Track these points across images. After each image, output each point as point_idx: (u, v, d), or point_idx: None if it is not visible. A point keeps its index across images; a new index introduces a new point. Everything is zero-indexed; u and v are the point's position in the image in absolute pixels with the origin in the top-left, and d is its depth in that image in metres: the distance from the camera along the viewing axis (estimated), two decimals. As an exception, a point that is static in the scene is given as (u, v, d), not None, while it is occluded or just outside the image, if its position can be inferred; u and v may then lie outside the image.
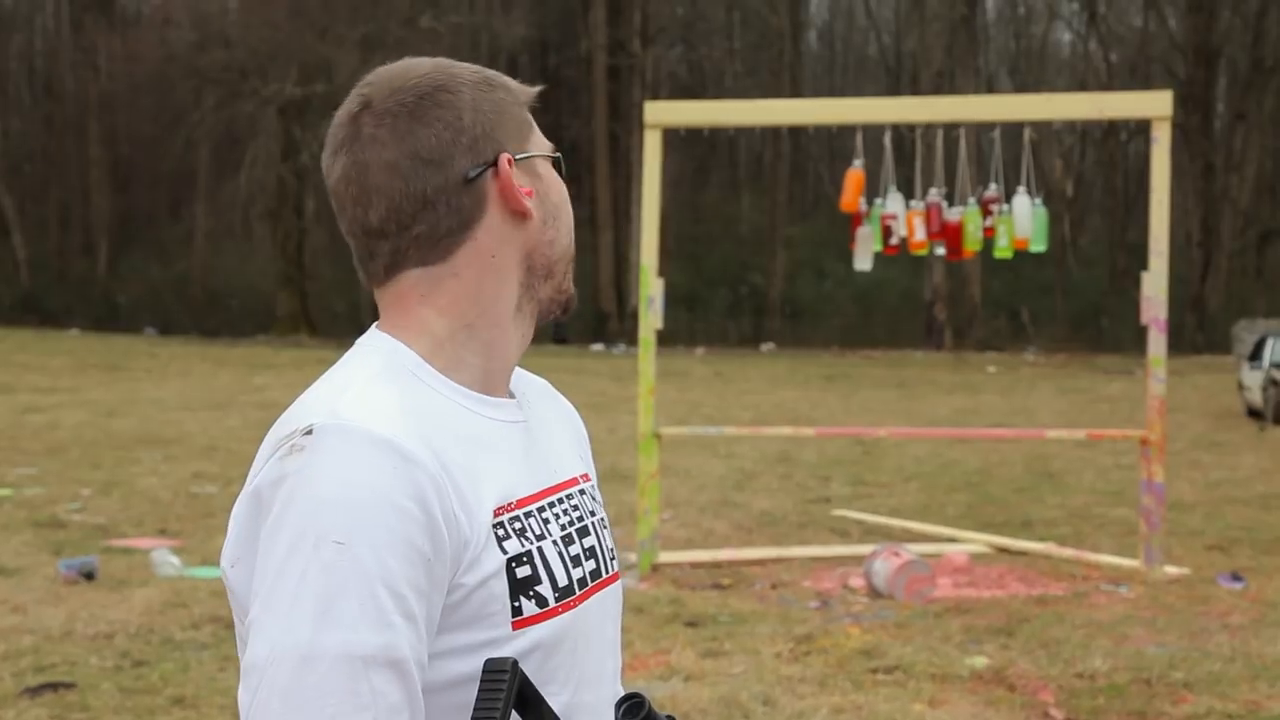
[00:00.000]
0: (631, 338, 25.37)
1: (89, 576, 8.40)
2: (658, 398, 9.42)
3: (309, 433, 1.35)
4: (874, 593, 8.34)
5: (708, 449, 15.69)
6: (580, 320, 45.03)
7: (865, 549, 9.30)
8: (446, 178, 1.47)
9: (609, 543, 1.63)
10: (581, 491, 1.62)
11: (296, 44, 42.93)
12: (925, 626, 7.50)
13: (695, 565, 9.28)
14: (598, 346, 39.88)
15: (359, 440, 1.34)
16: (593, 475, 1.72)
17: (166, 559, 8.81)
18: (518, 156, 1.51)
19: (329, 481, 1.32)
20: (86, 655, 6.77)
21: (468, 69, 1.53)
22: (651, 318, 9.08)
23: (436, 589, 1.36)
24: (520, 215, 1.51)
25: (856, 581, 8.63)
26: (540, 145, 1.56)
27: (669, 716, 1.55)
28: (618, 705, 1.53)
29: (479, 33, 48.38)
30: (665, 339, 9.97)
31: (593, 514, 1.62)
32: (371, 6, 43.89)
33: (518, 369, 1.70)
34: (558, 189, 1.57)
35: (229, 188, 46.72)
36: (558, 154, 1.59)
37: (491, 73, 1.55)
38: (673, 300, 10.05)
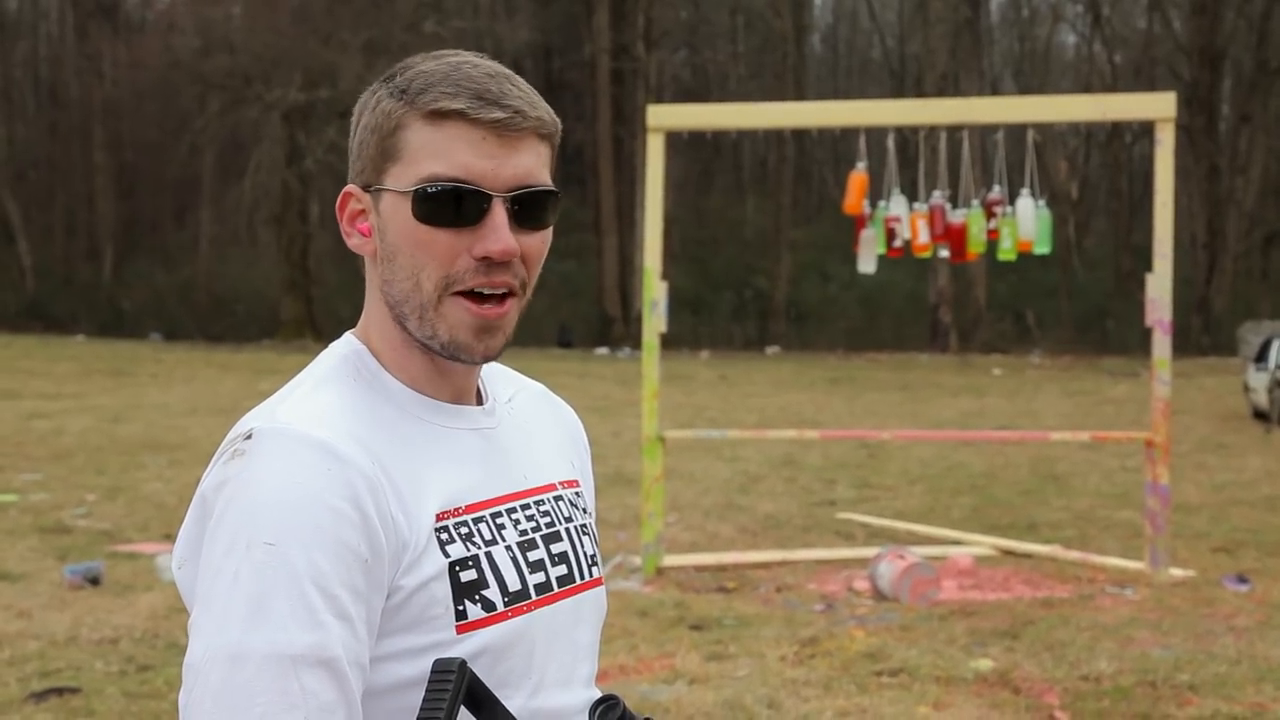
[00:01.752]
0: (636, 341, 25.39)
1: (94, 582, 8.41)
2: (663, 401, 9.42)
3: (249, 437, 1.38)
4: (879, 595, 8.34)
5: (712, 452, 15.68)
6: (585, 324, 45.04)
7: (870, 552, 9.30)
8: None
9: (588, 549, 1.61)
10: (557, 498, 1.60)
11: (300, 50, 42.95)
12: (930, 629, 7.49)
13: (700, 568, 9.27)
14: (602, 350, 39.87)
15: (293, 443, 1.36)
16: (584, 482, 1.70)
17: (171, 564, 8.81)
18: (368, 187, 1.48)
19: (264, 484, 1.34)
20: (91, 660, 6.77)
21: (409, 73, 1.47)
22: (655, 321, 9.08)
23: (376, 590, 1.36)
24: (361, 249, 1.52)
25: (861, 584, 8.63)
26: (397, 179, 1.45)
27: (647, 719, 1.54)
28: (592, 709, 1.52)
29: (483, 38, 48.41)
30: (670, 342, 9.97)
31: (569, 520, 1.60)
32: (375, 12, 43.91)
33: (517, 373, 1.70)
34: (398, 229, 1.45)
35: (234, 193, 46.73)
36: (427, 186, 1.43)
37: (411, 80, 1.46)
38: (677, 304, 10.05)
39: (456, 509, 1.46)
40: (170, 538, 10.19)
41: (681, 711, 5.95)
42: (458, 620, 1.42)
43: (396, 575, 1.38)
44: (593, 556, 1.62)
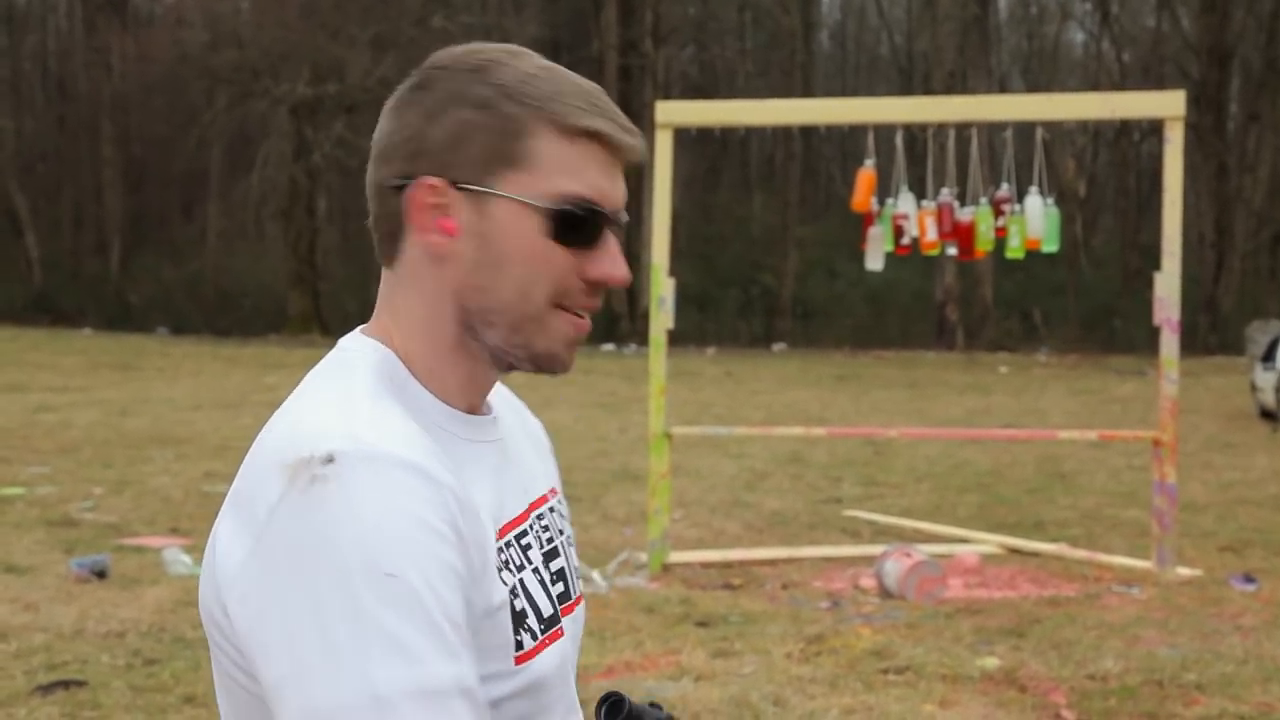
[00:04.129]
0: (643, 338, 25.35)
1: (101, 575, 8.42)
2: (669, 398, 9.41)
3: (330, 460, 1.24)
4: (885, 593, 8.33)
5: (719, 449, 15.68)
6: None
7: (876, 549, 9.29)
8: (381, 176, 1.42)
9: (575, 561, 1.57)
10: (551, 509, 1.56)
11: (309, 44, 42.97)
12: (936, 627, 7.49)
13: (706, 565, 9.27)
14: (609, 346, 39.86)
15: (388, 465, 1.25)
16: (559, 488, 1.64)
17: (178, 558, 8.82)
18: (465, 185, 1.38)
19: (367, 512, 1.22)
20: (98, 653, 6.78)
21: (489, 81, 1.39)
22: (663, 318, 9.08)
23: (472, 613, 1.30)
24: (436, 248, 1.40)
25: (867, 582, 8.62)
26: (514, 186, 1.38)
27: (652, 703, 1.51)
28: (598, 706, 1.48)
29: (491, 33, 48.39)
30: (676, 339, 9.97)
31: (561, 533, 1.55)
32: (383, 7, 43.92)
33: None
34: (518, 241, 1.38)
35: (241, 187, 46.78)
36: (564, 207, 1.38)
37: (502, 95, 1.38)
38: (684, 300, 10.03)
39: (500, 531, 1.41)
40: (177, 531, 10.19)
41: (687, 708, 5.94)
42: (516, 651, 1.36)
43: (477, 601, 1.32)
44: (578, 569, 1.57)
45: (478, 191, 1.38)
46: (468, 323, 1.41)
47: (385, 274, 1.45)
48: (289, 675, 1.20)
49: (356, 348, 1.44)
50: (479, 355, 1.43)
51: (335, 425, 1.29)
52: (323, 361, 1.45)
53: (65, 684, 6.28)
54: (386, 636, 1.19)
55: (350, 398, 1.35)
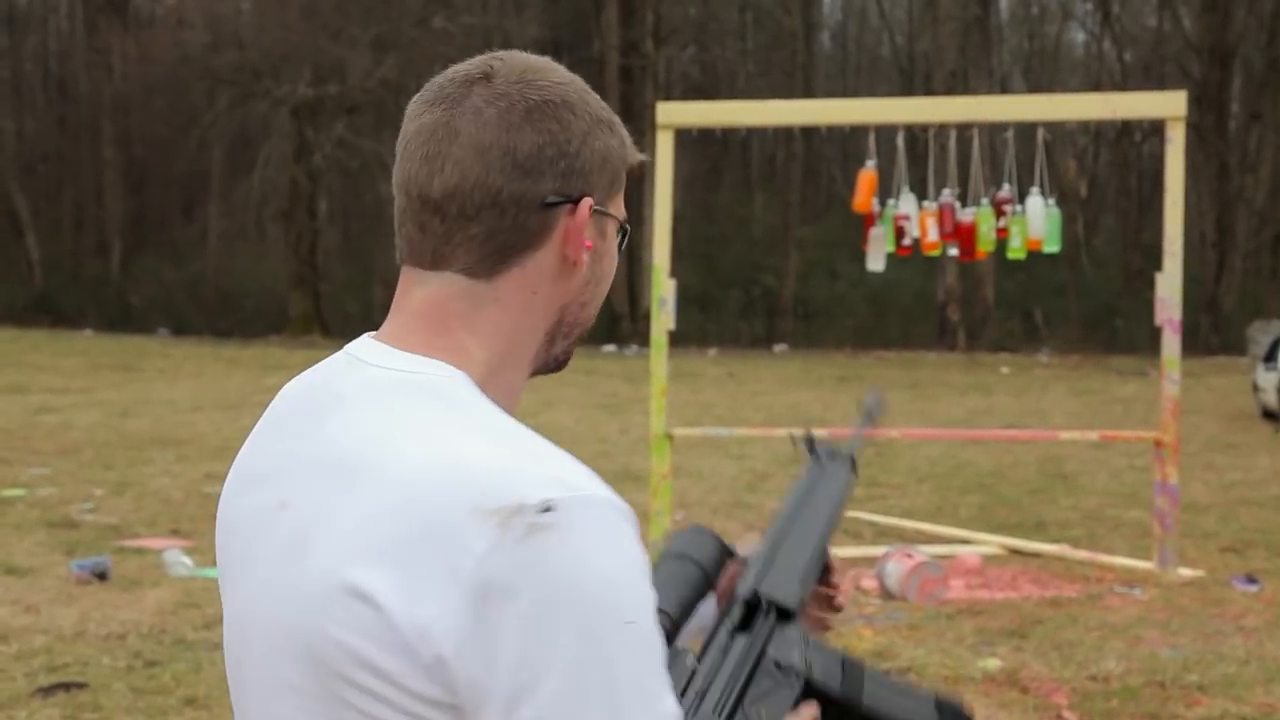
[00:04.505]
0: (644, 338, 25.37)
1: (101, 577, 8.42)
2: (670, 399, 9.41)
3: (548, 509, 1.21)
4: (886, 594, 8.23)
5: (720, 450, 15.67)
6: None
7: (878, 550, 9.28)
8: (525, 190, 1.36)
9: None
10: None
11: (310, 45, 42.99)
12: (938, 628, 7.48)
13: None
14: (610, 347, 39.85)
15: (604, 509, 1.25)
16: None
17: (179, 559, 8.82)
18: (597, 208, 1.40)
19: (599, 561, 1.22)
20: (99, 655, 6.77)
21: (600, 103, 1.43)
22: (664, 318, 9.07)
23: None
24: (573, 264, 1.39)
25: (868, 583, 8.61)
26: (619, 210, 1.46)
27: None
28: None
29: (491, 33, 48.39)
30: (678, 340, 9.96)
31: None
32: (384, 7, 43.94)
33: None
34: (612, 258, 1.46)
35: (242, 188, 46.79)
36: (628, 225, 1.49)
37: (617, 120, 1.46)
38: (685, 301, 10.03)
39: None
40: (178, 532, 10.19)
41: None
42: None
43: None
44: None
45: (604, 214, 1.43)
46: (552, 335, 1.43)
47: (457, 286, 1.38)
48: (572, 713, 1.20)
49: (434, 372, 1.36)
50: (536, 365, 1.45)
51: (529, 466, 1.26)
52: (398, 386, 1.35)
53: (66, 686, 6.28)
54: (634, 686, 1.21)
55: (506, 433, 1.31)
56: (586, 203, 1.38)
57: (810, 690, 1.50)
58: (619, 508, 1.26)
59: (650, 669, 1.23)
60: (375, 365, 1.36)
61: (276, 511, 1.35)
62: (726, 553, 1.63)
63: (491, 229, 1.35)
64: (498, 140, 1.35)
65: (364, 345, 1.40)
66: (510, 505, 1.21)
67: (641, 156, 1.50)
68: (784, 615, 1.53)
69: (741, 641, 1.51)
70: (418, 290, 1.38)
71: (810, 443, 1.78)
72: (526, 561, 1.20)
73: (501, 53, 1.42)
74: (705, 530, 1.65)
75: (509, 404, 1.39)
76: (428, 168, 1.36)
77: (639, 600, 1.23)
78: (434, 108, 1.37)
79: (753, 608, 1.53)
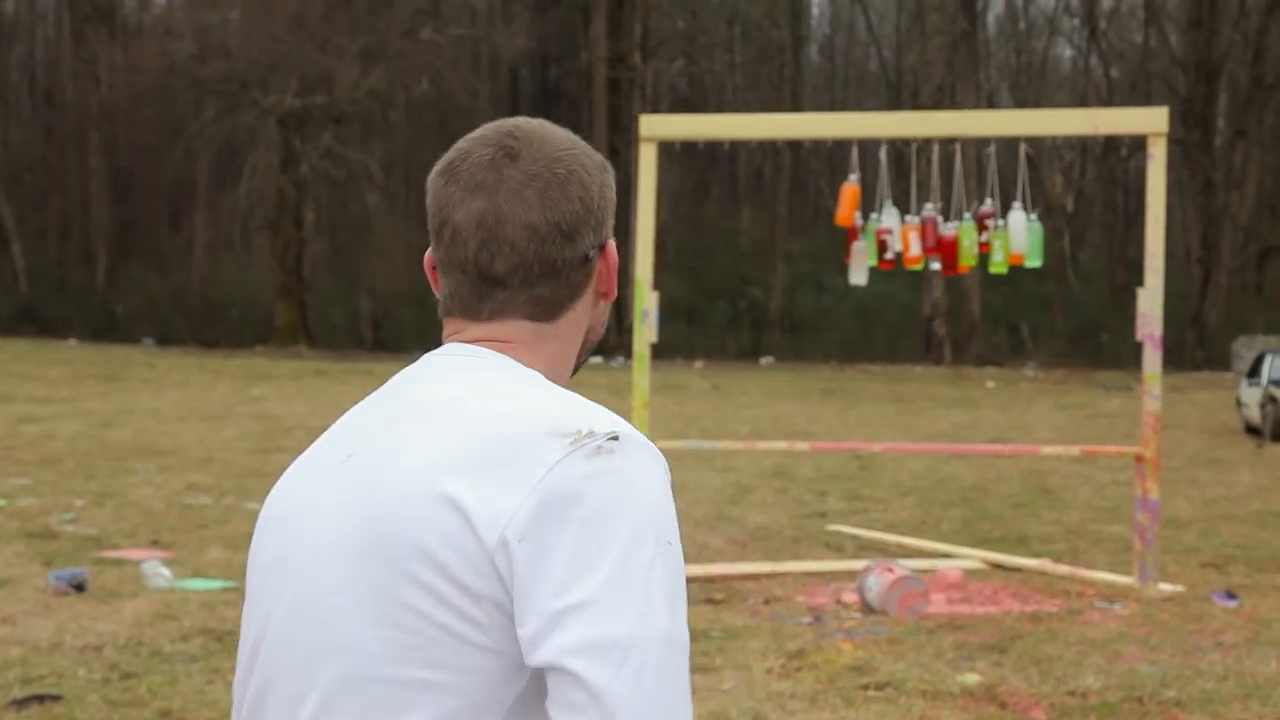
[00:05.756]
0: (629, 351, 25.37)
1: (79, 588, 8.37)
2: (655, 411, 9.40)
3: (615, 438, 1.43)
4: (867, 608, 8.31)
5: (704, 463, 15.66)
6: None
7: (859, 564, 9.27)
8: (574, 252, 1.57)
9: None
10: None
11: (297, 55, 42.98)
12: (918, 643, 7.47)
13: (689, 580, 9.21)
14: (596, 359, 39.87)
15: (652, 453, 1.46)
16: None
17: (157, 570, 8.78)
18: (607, 240, 1.63)
19: (650, 486, 1.42)
20: (74, 667, 6.73)
21: (593, 151, 1.63)
22: (646, 331, 9.06)
23: None
24: (605, 296, 1.65)
25: (850, 597, 8.60)
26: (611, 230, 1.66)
27: None
28: None
29: (480, 45, 48.42)
30: (664, 352, 9.97)
31: None
32: (372, 18, 43.95)
33: None
34: (615, 279, 1.67)
35: (228, 198, 46.73)
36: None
37: (604, 159, 1.65)
38: (672, 313, 10.04)
39: None
40: (158, 543, 10.15)
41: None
42: None
43: None
44: None
45: (605, 244, 1.64)
46: (581, 352, 1.67)
47: (520, 328, 1.59)
48: (588, 603, 1.36)
49: (498, 354, 1.58)
50: (568, 377, 1.67)
51: (594, 412, 1.48)
52: (469, 357, 1.57)
53: (40, 698, 6.24)
54: (670, 594, 1.39)
55: (568, 393, 1.54)
56: (611, 245, 1.63)
57: None
58: (663, 459, 1.47)
59: (679, 588, 1.41)
60: (442, 354, 1.58)
61: (343, 462, 1.52)
62: None
63: (554, 290, 1.58)
64: (544, 218, 1.55)
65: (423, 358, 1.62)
66: (583, 430, 1.44)
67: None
68: None
69: None
70: (476, 329, 1.59)
71: None
72: (592, 472, 1.40)
73: (505, 124, 1.60)
74: None
75: None
76: (487, 252, 1.55)
77: (675, 530, 1.44)
78: (475, 196, 1.55)
79: None
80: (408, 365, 1.62)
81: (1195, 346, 43.67)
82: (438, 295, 1.62)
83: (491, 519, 1.39)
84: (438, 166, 1.60)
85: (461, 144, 1.60)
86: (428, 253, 1.63)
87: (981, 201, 9.04)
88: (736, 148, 11.03)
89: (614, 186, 1.64)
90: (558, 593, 1.36)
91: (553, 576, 1.37)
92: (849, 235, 9.14)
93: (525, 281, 1.56)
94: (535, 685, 1.40)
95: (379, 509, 1.44)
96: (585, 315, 1.63)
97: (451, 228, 1.56)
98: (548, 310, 1.58)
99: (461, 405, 1.48)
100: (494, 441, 1.43)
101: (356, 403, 1.65)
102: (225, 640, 7.19)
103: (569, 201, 1.56)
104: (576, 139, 1.62)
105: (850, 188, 9.08)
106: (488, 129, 1.61)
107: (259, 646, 1.53)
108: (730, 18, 54.62)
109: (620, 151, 47.36)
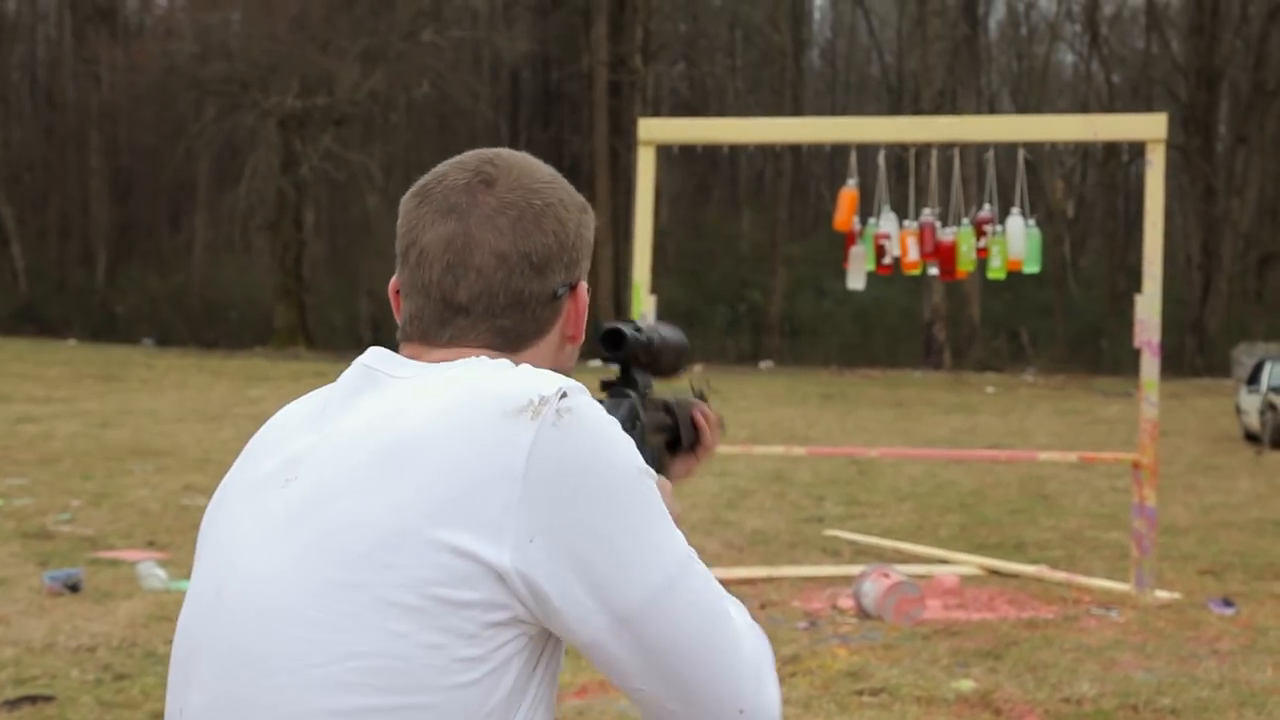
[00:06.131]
0: (629, 354, 25.31)
1: (73, 589, 8.36)
2: (649, 415, 9.37)
3: (565, 396, 1.43)
4: (863, 614, 8.30)
5: (702, 466, 15.63)
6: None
7: (856, 569, 9.25)
8: (542, 286, 1.55)
9: None
10: None
11: (298, 57, 43.00)
12: (913, 649, 7.45)
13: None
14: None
15: (589, 394, 1.48)
16: None
17: (152, 571, 8.76)
18: (581, 279, 1.62)
19: (610, 428, 1.44)
20: (68, 668, 6.72)
21: (574, 191, 1.62)
22: (643, 335, 9.04)
23: None
24: (572, 340, 1.63)
25: (845, 602, 8.59)
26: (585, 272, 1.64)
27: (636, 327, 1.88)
28: (600, 338, 1.80)
29: (481, 47, 48.42)
30: (659, 356, 9.93)
31: None
32: (373, 20, 43.96)
33: None
34: (583, 323, 1.66)
35: (229, 199, 46.74)
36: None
37: (585, 201, 1.65)
38: (671, 317, 10.00)
39: None
40: (154, 544, 10.13)
41: (659, 729, 5.89)
42: None
43: None
44: None
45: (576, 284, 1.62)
46: None
47: (479, 357, 1.55)
48: (625, 562, 1.41)
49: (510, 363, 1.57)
50: None
51: (538, 375, 1.47)
52: (470, 362, 1.54)
53: (33, 699, 6.22)
54: (665, 516, 1.47)
55: (501, 364, 1.51)
56: (583, 286, 1.61)
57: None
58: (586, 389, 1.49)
59: (663, 507, 1.47)
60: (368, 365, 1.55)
61: (281, 488, 1.48)
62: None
63: (515, 321, 1.55)
64: (515, 247, 1.52)
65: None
66: (534, 400, 1.42)
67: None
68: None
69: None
70: (433, 354, 1.54)
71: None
72: (564, 440, 1.40)
73: (485, 152, 1.58)
74: None
75: None
76: (452, 276, 1.52)
77: (639, 453, 1.46)
78: (446, 219, 1.52)
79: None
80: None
81: (1195, 353, 43.66)
82: (398, 321, 1.58)
83: (486, 516, 1.38)
84: (412, 189, 1.57)
85: (439, 168, 1.57)
86: (393, 279, 1.59)
87: (980, 207, 9.03)
88: (736, 151, 11.02)
89: (592, 229, 1.62)
90: (594, 565, 1.40)
91: (585, 551, 1.40)
92: (847, 240, 9.13)
93: (488, 310, 1.53)
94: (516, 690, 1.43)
95: (352, 550, 1.40)
96: (549, 356, 1.59)
97: (419, 249, 1.53)
98: (509, 343, 1.55)
99: (411, 423, 1.43)
100: (457, 433, 1.41)
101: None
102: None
103: (542, 234, 1.54)
104: (558, 175, 1.60)
105: (848, 192, 9.07)
106: (468, 155, 1.58)
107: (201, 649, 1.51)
108: (732, 22, 54.65)
109: (621, 155, 47.37)
